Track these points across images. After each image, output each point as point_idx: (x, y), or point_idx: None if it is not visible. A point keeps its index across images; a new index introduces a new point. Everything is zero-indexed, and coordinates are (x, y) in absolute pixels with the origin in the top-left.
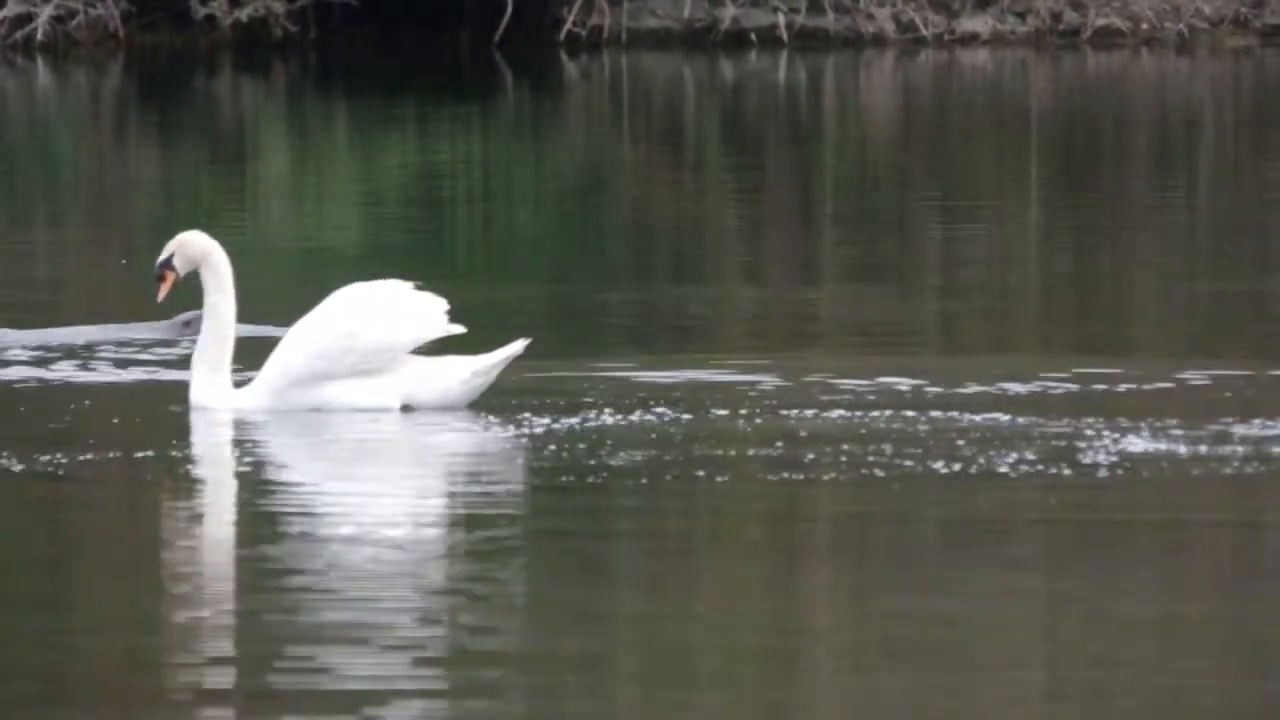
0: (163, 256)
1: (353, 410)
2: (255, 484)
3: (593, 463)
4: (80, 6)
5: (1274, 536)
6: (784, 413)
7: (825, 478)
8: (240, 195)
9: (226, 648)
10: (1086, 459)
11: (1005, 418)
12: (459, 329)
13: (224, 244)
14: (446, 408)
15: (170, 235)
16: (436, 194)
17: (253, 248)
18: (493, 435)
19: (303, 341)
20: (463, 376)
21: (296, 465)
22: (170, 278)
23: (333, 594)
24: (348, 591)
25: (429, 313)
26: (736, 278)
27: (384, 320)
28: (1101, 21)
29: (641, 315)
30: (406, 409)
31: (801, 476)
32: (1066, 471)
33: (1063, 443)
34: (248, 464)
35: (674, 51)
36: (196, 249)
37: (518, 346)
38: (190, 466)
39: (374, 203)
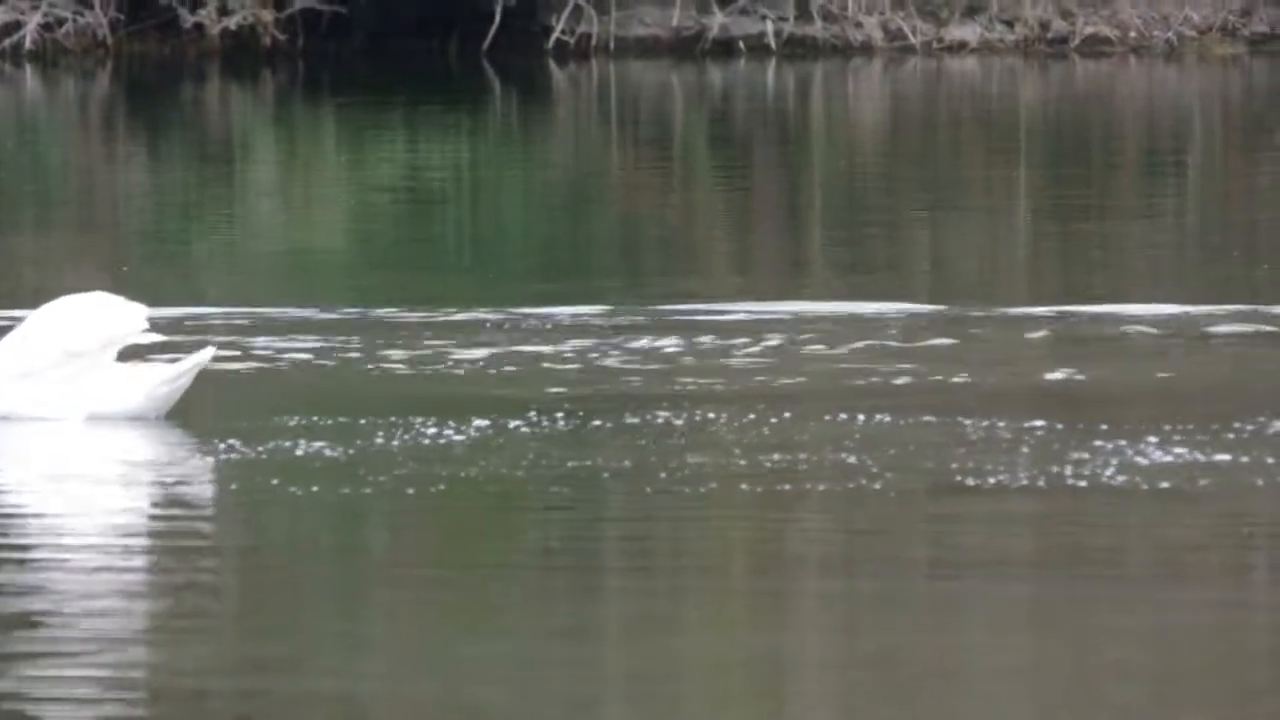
0: None
1: (34, 420)
2: None
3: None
4: (69, 15)
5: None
6: (751, 419)
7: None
8: (229, 202)
9: None
10: (1086, 470)
11: (1000, 423)
12: (150, 338)
13: (213, 249)
14: (134, 418)
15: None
16: (424, 200)
17: (241, 253)
18: (182, 444)
19: None
20: (148, 387)
21: None
22: None
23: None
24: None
25: (117, 325)
26: (723, 281)
27: (64, 333)
28: (1090, 30)
29: (623, 318)
30: (91, 419)
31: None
32: (1065, 484)
33: (1063, 452)
34: None
35: (662, 59)
36: None
37: (205, 355)
38: None
39: (362, 209)
